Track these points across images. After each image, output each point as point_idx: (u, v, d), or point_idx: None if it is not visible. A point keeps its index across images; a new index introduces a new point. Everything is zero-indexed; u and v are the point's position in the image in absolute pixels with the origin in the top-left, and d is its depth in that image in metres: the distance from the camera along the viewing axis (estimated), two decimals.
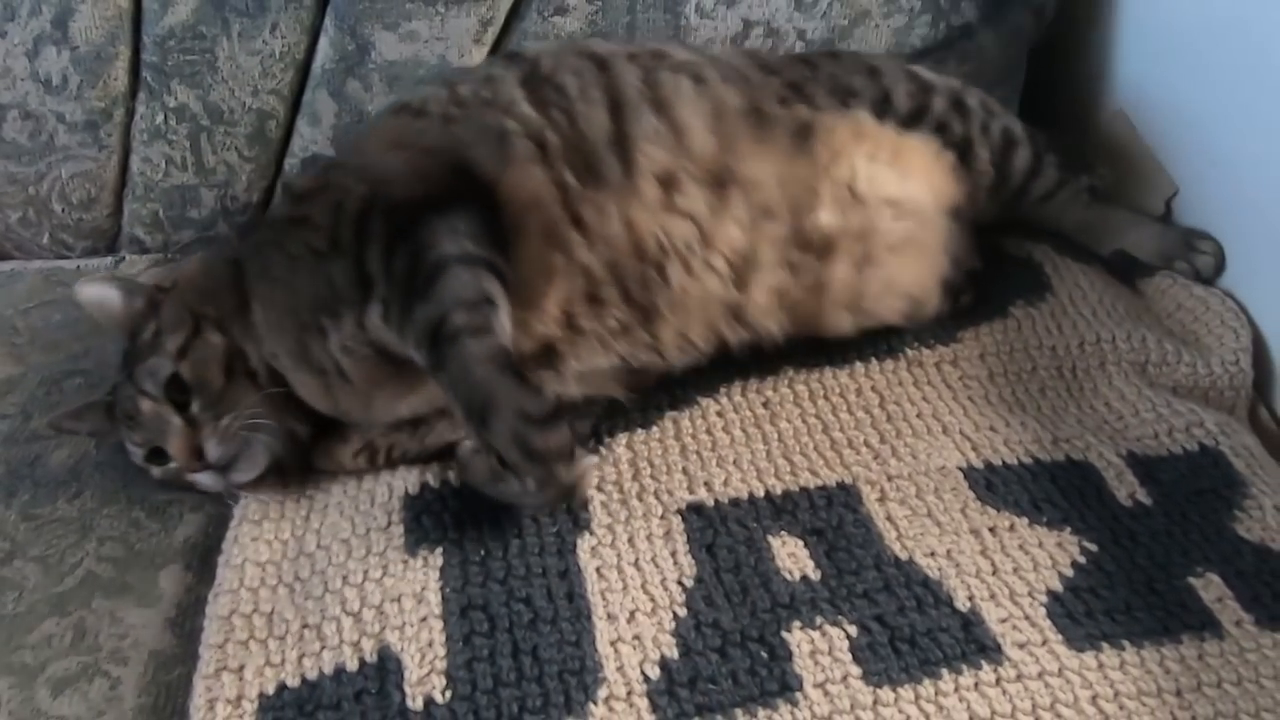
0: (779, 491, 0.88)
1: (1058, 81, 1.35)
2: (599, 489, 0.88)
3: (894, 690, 0.72)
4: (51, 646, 0.84)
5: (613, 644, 0.76)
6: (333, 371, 0.89)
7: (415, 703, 0.73)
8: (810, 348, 1.00)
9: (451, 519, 0.87)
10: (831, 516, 0.85)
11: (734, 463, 0.91)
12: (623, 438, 0.94)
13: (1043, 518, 0.84)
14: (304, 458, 0.95)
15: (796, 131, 0.97)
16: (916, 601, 0.77)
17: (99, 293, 0.97)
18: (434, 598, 0.80)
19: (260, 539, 0.89)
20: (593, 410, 0.94)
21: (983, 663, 0.73)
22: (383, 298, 0.86)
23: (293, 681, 0.77)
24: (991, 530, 0.83)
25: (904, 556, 0.81)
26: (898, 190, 0.97)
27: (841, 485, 0.88)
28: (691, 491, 0.88)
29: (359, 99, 1.26)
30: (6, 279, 1.30)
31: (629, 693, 0.73)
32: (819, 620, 0.77)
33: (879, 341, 1.02)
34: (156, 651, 0.83)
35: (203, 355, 0.91)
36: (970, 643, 0.74)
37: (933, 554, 0.81)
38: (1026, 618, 0.76)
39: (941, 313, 1.05)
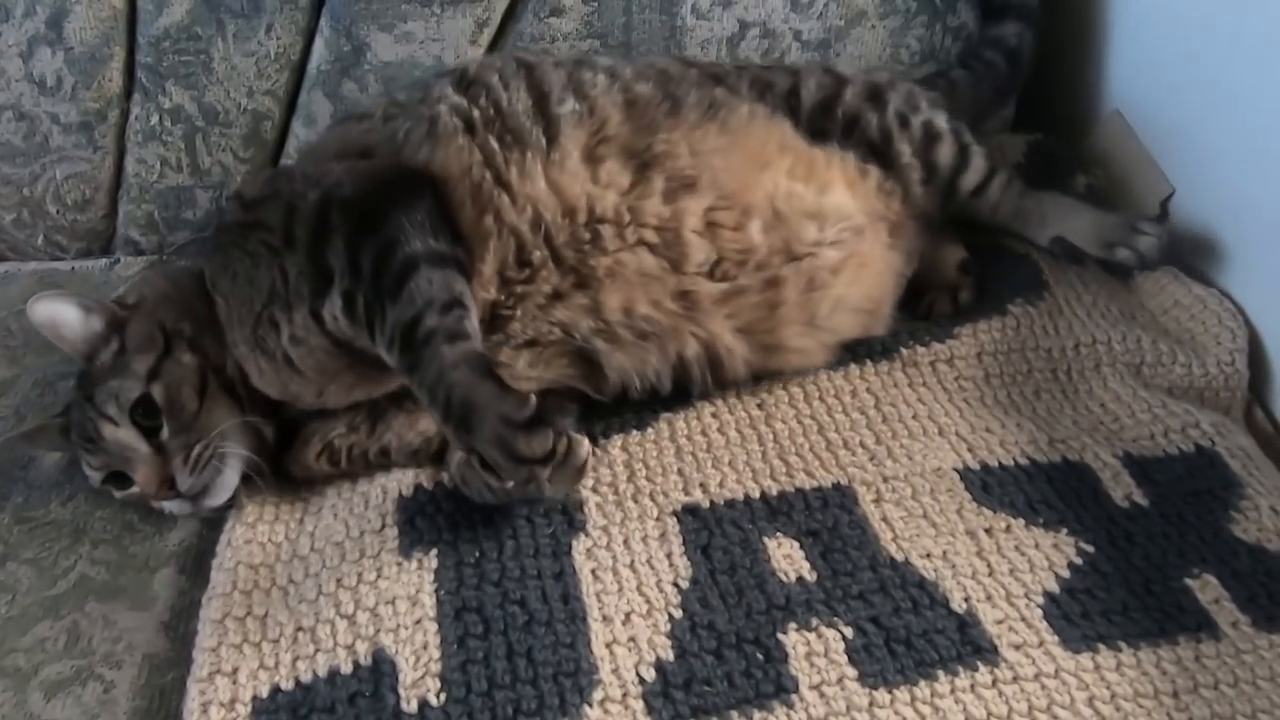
0: (774, 493, 0.87)
1: (1053, 83, 1.35)
2: (594, 490, 0.88)
3: (890, 692, 0.72)
4: (45, 650, 0.83)
5: (608, 646, 0.76)
6: (282, 361, 0.89)
7: (410, 705, 0.73)
8: None
9: (446, 521, 0.87)
10: (827, 518, 0.85)
11: (729, 464, 0.90)
12: (618, 439, 0.94)
13: (1039, 519, 0.84)
14: (272, 461, 0.94)
15: (707, 108, 0.99)
16: (912, 603, 0.77)
17: (54, 310, 0.93)
18: (428, 600, 0.80)
19: (254, 542, 0.89)
20: (570, 409, 0.94)
21: (979, 664, 0.73)
22: (344, 291, 0.86)
23: (287, 684, 0.76)
24: (987, 531, 0.83)
25: (900, 558, 0.81)
26: (814, 204, 0.97)
27: (837, 486, 0.88)
28: (687, 493, 0.88)
29: (354, 100, 1.26)
30: (0, 281, 1.30)
31: (624, 695, 0.73)
32: (814, 622, 0.76)
33: (874, 341, 1.02)
34: (150, 655, 0.83)
35: (175, 377, 0.90)
36: (966, 644, 0.74)
37: (928, 555, 0.81)
38: (1023, 619, 0.76)
39: (941, 313, 1.07)
